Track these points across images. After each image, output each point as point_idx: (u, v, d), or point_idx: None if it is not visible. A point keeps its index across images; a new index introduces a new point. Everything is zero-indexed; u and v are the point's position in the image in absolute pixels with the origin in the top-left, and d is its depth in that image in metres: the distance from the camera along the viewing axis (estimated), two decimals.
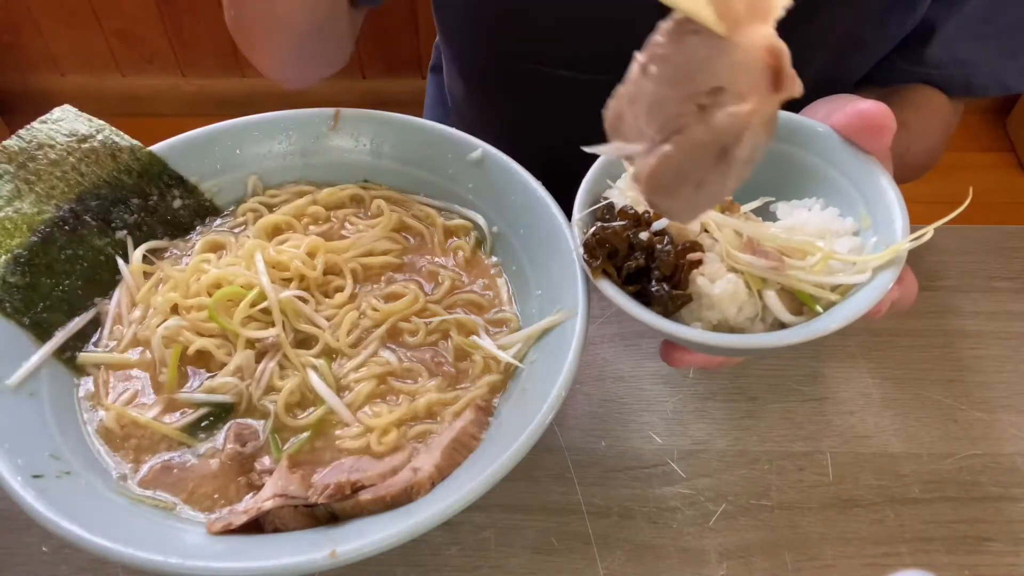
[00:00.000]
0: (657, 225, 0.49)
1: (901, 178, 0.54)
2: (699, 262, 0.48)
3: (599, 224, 0.50)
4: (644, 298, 0.49)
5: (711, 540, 0.57)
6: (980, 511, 0.59)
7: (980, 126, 2.16)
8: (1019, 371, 0.66)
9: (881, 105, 0.49)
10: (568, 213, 0.61)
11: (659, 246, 0.48)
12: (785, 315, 0.48)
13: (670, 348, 0.52)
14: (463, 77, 0.89)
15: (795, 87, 0.35)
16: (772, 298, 0.48)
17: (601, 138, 0.43)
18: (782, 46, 0.34)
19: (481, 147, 0.65)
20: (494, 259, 0.66)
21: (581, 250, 0.49)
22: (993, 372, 0.66)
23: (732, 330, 0.49)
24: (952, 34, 0.72)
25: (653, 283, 0.48)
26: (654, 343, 0.68)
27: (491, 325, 0.62)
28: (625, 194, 0.52)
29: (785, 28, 0.34)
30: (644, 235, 0.49)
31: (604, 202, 0.52)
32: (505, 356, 0.58)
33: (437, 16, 0.86)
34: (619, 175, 0.54)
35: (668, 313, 0.48)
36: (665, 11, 0.35)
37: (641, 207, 0.50)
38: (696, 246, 0.49)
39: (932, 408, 0.64)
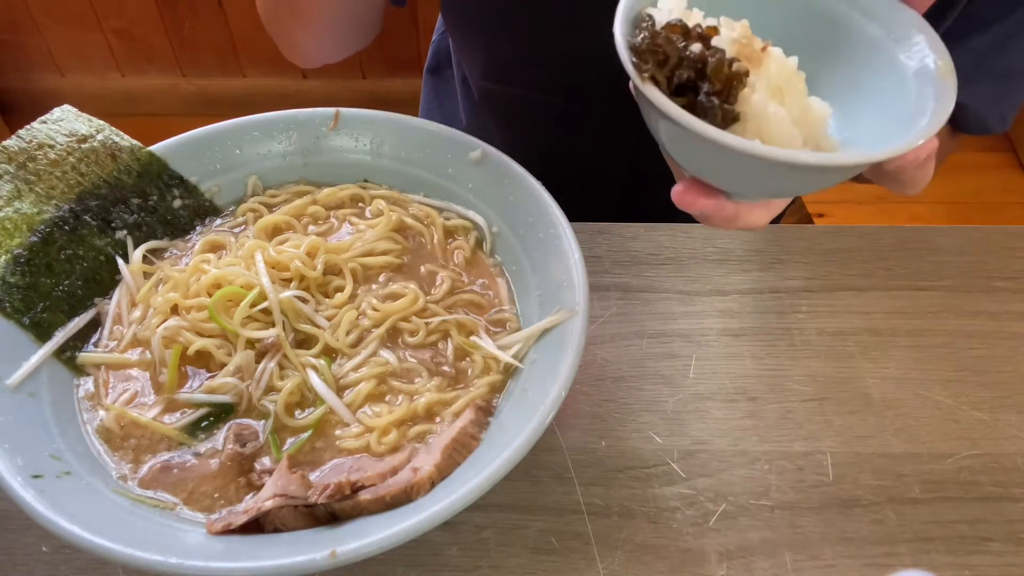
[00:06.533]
0: (716, 41, 0.46)
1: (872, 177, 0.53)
2: (747, 73, 0.45)
3: (652, 30, 0.46)
4: (691, 113, 0.45)
5: (711, 540, 0.57)
6: (980, 511, 0.59)
7: None
8: (1019, 371, 0.66)
9: None
10: (568, 213, 0.61)
11: (711, 59, 0.45)
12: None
13: (688, 187, 0.48)
14: (467, 96, 0.91)
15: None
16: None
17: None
18: None
19: (481, 147, 0.65)
20: (494, 259, 0.66)
21: (628, 55, 0.45)
22: (993, 372, 0.66)
23: None
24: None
25: (702, 96, 0.45)
26: (654, 343, 0.68)
27: (491, 325, 0.62)
28: (671, 12, 0.48)
29: None
30: (696, 48, 0.45)
31: (647, 18, 0.48)
32: (505, 356, 0.58)
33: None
34: None
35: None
36: None
37: (691, 21, 0.47)
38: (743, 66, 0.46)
39: (932, 408, 0.64)
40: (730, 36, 0.46)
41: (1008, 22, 0.70)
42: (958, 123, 0.78)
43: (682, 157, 0.49)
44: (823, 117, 0.48)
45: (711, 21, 0.47)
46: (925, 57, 0.48)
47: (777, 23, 0.50)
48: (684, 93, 0.46)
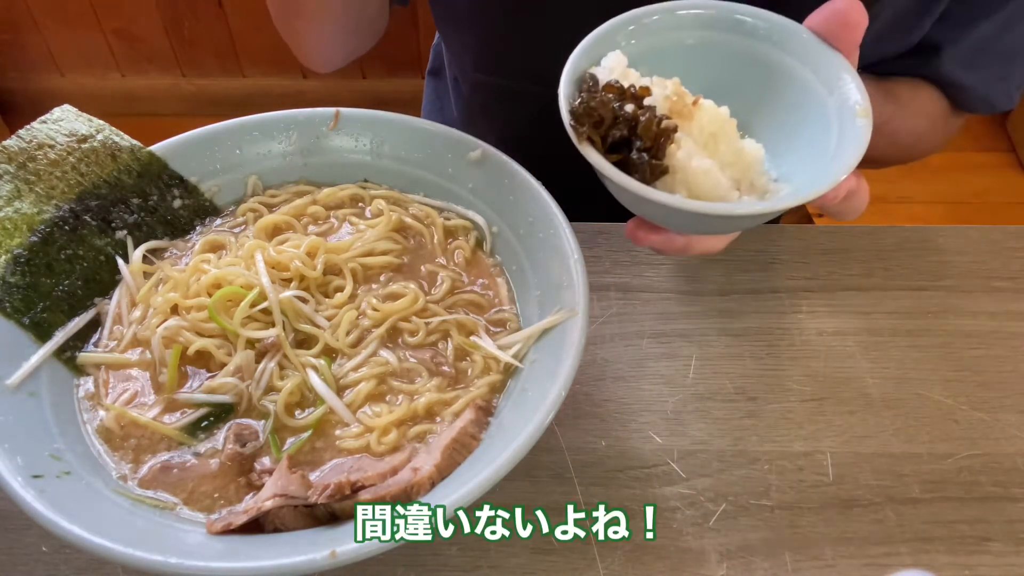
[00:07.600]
0: (650, 99, 0.51)
1: (879, 150, 0.55)
2: (675, 129, 0.50)
3: (588, 94, 0.51)
4: (625, 167, 0.50)
5: (711, 540, 0.57)
6: (980, 511, 0.59)
7: (980, 126, 2.16)
8: (1019, 371, 0.66)
9: (854, 1, 0.51)
10: (567, 213, 0.61)
11: (642, 118, 0.50)
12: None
13: (637, 226, 0.54)
14: (458, 94, 0.92)
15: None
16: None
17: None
18: None
19: (481, 147, 0.65)
20: (494, 259, 0.66)
21: (568, 118, 0.50)
22: (993, 372, 0.66)
23: None
24: (954, 58, 0.73)
25: (634, 152, 0.50)
26: (654, 343, 0.68)
27: (491, 325, 0.62)
28: (611, 71, 0.53)
29: None
30: (629, 108, 0.50)
31: (589, 78, 0.53)
32: (505, 356, 0.58)
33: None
34: (604, 55, 0.54)
35: (647, 182, 0.49)
36: None
37: (627, 82, 0.52)
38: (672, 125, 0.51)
39: (932, 408, 0.64)
40: (663, 94, 0.51)
41: (1007, 11, 0.71)
42: (964, 105, 0.78)
43: (627, 204, 0.53)
44: (757, 158, 0.53)
45: (645, 81, 0.52)
46: (847, 99, 0.52)
47: (718, 69, 0.55)
48: (619, 149, 0.50)
